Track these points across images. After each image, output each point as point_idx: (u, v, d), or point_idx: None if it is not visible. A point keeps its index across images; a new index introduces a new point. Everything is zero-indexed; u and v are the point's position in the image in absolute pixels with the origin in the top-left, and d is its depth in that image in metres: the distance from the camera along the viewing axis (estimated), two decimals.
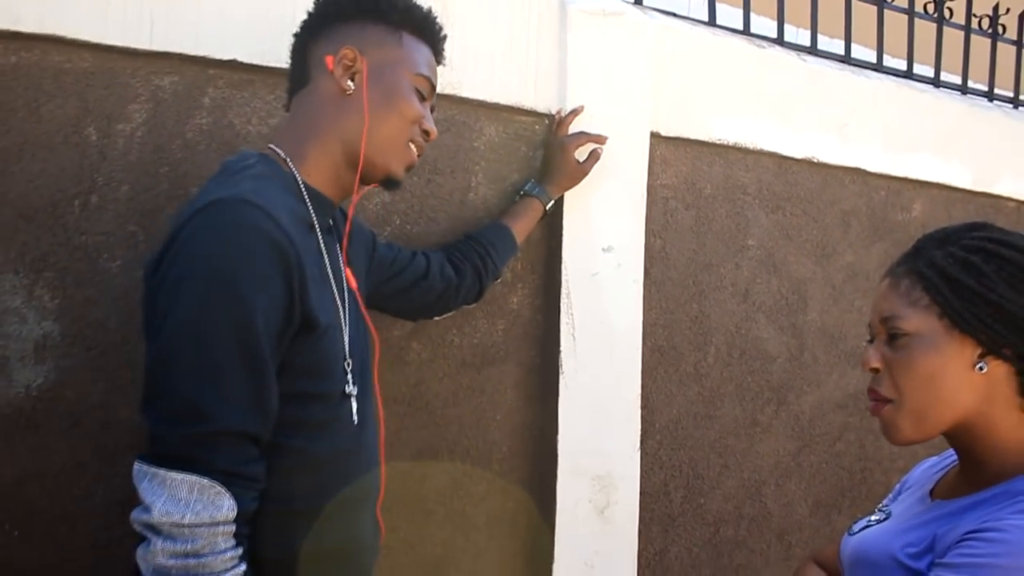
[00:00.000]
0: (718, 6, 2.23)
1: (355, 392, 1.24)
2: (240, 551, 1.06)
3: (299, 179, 1.22)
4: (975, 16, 2.81)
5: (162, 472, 1.03)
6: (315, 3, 1.30)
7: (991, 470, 1.03)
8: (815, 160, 2.27)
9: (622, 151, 1.87)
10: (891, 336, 1.06)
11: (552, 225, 1.85)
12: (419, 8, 1.30)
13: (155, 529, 1.03)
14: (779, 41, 2.30)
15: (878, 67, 2.53)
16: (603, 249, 1.86)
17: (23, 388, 1.37)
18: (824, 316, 2.35)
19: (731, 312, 2.18)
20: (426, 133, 1.29)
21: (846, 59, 2.46)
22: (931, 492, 1.11)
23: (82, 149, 1.40)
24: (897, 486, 1.24)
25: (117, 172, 1.43)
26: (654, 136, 1.96)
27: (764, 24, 2.35)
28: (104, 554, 1.44)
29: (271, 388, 1.08)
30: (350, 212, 1.33)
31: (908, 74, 2.61)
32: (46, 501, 1.39)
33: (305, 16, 1.31)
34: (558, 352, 1.83)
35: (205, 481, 1.02)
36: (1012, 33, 2.91)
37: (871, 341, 1.10)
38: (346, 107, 1.23)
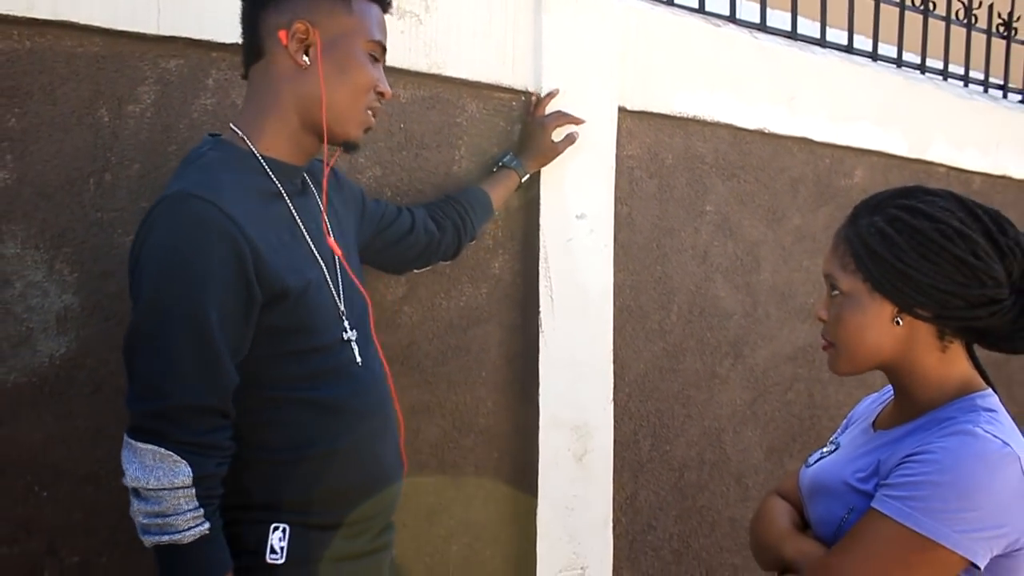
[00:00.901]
0: None
1: (354, 337, 1.34)
2: (202, 511, 1.19)
3: (257, 154, 1.29)
4: None
5: (133, 443, 1.18)
6: None
7: (920, 402, 1.20)
8: (766, 131, 2.42)
9: (593, 125, 1.99)
10: (831, 290, 1.23)
11: (530, 195, 1.98)
12: None
13: (133, 491, 1.19)
14: (732, 19, 2.45)
15: (822, 42, 2.70)
16: (577, 217, 2.00)
17: (47, 358, 1.45)
18: (775, 275, 2.52)
19: (691, 273, 2.33)
20: (381, 95, 1.33)
21: (792, 35, 2.61)
22: (873, 424, 1.28)
23: (95, 130, 1.47)
24: (844, 421, 1.41)
25: (129, 151, 1.50)
26: (621, 110, 2.09)
27: (716, 3, 2.49)
28: (127, 512, 1.53)
29: (224, 365, 1.19)
30: (324, 179, 1.38)
31: (848, 48, 2.78)
32: (71, 464, 1.48)
33: None
34: (537, 313, 1.96)
35: (162, 450, 1.16)
36: (942, 9, 3.10)
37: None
38: (302, 80, 1.28)
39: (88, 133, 1.47)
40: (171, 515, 1.16)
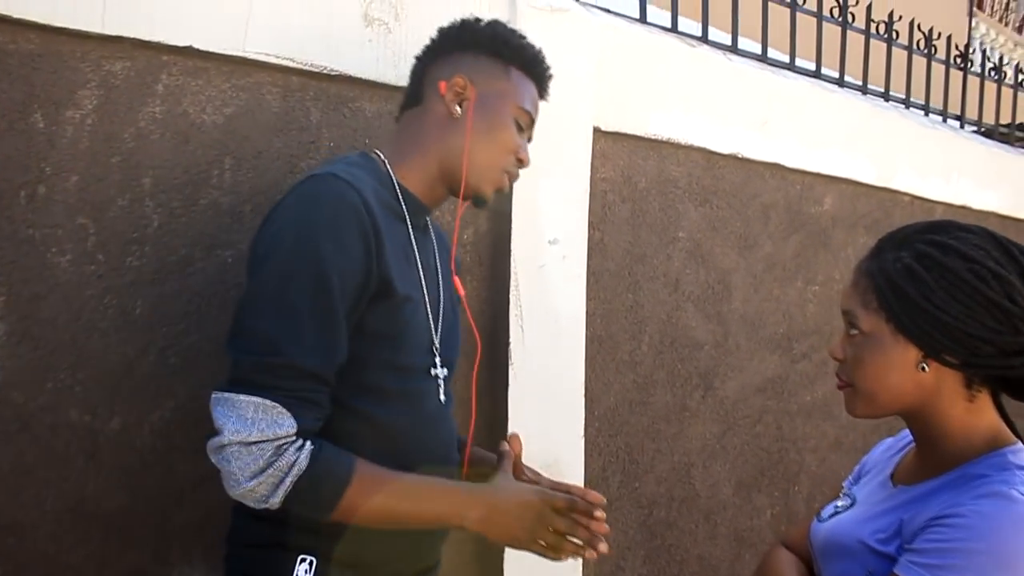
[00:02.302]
0: (647, 6, 2.29)
1: (443, 374, 1.36)
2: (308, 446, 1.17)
3: (394, 177, 1.35)
4: (873, 21, 2.98)
5: (232, 396, 1.16)
6: (439, 31, 1.42)
7: (945, 455, 1.11)
8: (739, 155, 2.36)
9: (568, 146, 1.90)
10: (850, 327, 1.14)
11: (500, 218, 1.87)
12: (530, 48, 1.41)
13: (227, 452, 1.15)
14: (704, 39, 2.39)
15: (791, 67, 2.66)
16: (549, 242, 1.90)
17: None
18: (746, 305, 2.46)
19: (663, 302, 2.25)
20: (520, 161, 1.39)
21: (763, 58, 2.57)
22: (892, 476, 1.19)
23: (28, 136, 1.33)
24: (856, 468, 1.32)
25: (66, 161, 1.36)
26: (596, 131, 2.00)
27: (687, 24, 2.43)
28: (55, 564, 1.37)
29: (340, 337, 1.19)
30: (457, 222, 1.50)
31: (816, 74, 2.75)
32: None
33: (428, 43, 1.43)
34: (507, 344, 1.86)
35: (268, 402, 1.15)
36: (904, 39, 3.10)
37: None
38: (451, 129, 1.35)
39: (20, 140, 1.32)
40: (277, 461, 1.14)
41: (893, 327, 1.08)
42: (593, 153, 2.01)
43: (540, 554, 1.23)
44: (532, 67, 1.41)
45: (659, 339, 2.24)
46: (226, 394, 1.17)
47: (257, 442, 1.14)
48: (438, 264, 1.43)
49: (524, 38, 1.42)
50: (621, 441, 2.18)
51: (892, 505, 1.12)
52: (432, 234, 1.45)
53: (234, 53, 1.47)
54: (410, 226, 1.35)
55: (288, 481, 1.14)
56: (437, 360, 1.35)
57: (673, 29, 2.32)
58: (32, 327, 1.34)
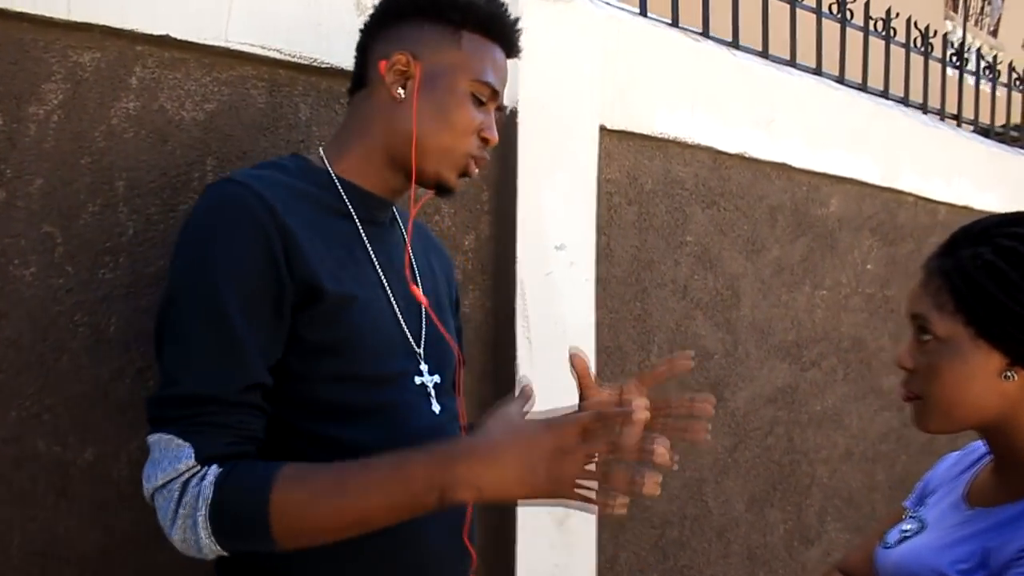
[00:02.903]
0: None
1: (434, 382, 1.19)
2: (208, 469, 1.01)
3: (332, 172, 1.20)
4: (871, 18, 2.90)
5: (148, 441, 1.05)
6: (378, 2, 1.24)
7: None
8: (746, 155, 2.26)
9: (573, 145, 1.79)
10: (921, 333, 1.02)
11: (504, 223, 1.75)
12: (481, 4, 1.20)
13: (155, 505, 1.04)
14: (705, 34, 2.29)
15: (792, 63, 2.57)
16: (556, 247, 1.78)
17: None
18: (755, 311, 2.35)
19: (671, 309, 2.14)
20: (485, 141, 1.21)
21: (764, 54, 2.47)
22: (966, 497, 1.07)
23: None
24: (919, 486, 1.20)
25: (29, 163, 1.22)
26: (602, 129, 1.89)
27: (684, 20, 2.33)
28: None
29: (245, 353, 1.04)
30: (411, 217, 1.25)
31: (817, 71, 2.66)
32: None
33: (369, 14, 1.25)
34: (514, 358, 1.74)
35: (166, 435, 1.03)
36: (902, 36, 3.03)
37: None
38: (396, 114, 1.19)
39: None
40: (184, 498, 0.99)
41: (973, 331, 0.97)
42: (599, 153, 1.90)
43: (570, 506, 0.94)
44: (489, 26, 1.20)
45: (668, 349, 2.13)
46: (147, 438, 1.06)
47: (165, 483, 1.01)
48: (427, 265, 1.30)
49: None
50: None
51: (972, 531, 1.00)
52: (402, 230, 1.29)
53: (215, 43, 1.34)
54: (358, 221, 1.19)
55: (200, 518, 0.98)
56: (422, 367, 1.18)
57: (674, 24, 2.21)
58: None
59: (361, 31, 1.26)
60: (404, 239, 1.28)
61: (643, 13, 2.15)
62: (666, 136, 2.06)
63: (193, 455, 1.01)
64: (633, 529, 2.07)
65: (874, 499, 2.76)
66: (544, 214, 1.76)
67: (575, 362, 1.18)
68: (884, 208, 2.77)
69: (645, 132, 2.01)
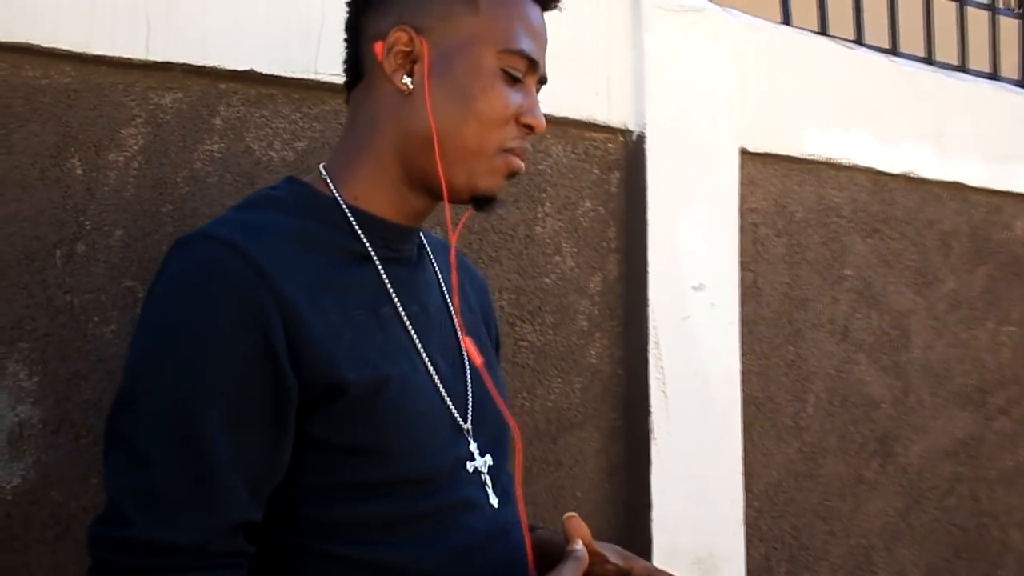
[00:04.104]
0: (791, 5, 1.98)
1: (487, 464, 0.95)
2: None
3: (340, 198, 0.95)
4: None
5: None
6: None
7: None
8: (912, 175, 2.03)
9: (710, 171, 1.63)
10: None
11: (634, 262, 1.59)
12: None
13: None
14: (858, 41, 2.06)
15: (961, 68, 2.28)
16: (693, 288, 1.61)
17: None
18: (928, 352, 2.10)
19: (830, 353, 1.93)
20: (528, 128, 0.94)
21: (929, 60, 2.20)
22: None
23: (64, 186, 1.12)
24: None
25: (108, 213, 1.15)
26: (743, 153, 1.73)
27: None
28: None
29: (226, 486, 0.81)
30: (452, 249, 1.00)
31: (993, 75, 2.35)
32: None
33: None
34: (647, 412, 1.57)
35: None
36: None
37: None
38: (406, 112, 0.93)
39: (55, 191, 1.12)
40: None
41: None
42: (740, 179, 1.71)
43: None
44: None
45: (827, 398, 1.92)
46: None
47: None
48: (464, 303, 1.05)
49: None
50: (787, 523, 1.85)
51: None
52: (431, 260, 1.04)
53: (304, 76, 1.25)
54: (379, 262, 0.93)
55: None
56: (472, 446, 0.94)
57: (822, 31, 2.00)
58: (72, 411, 1.13)
59: (348, 4, 1.00)
60: (436, 273, 1.03)
61: (786, 21, 1.95)
62: (817, 157, 1.87)
63: None
64: None
65: None
66: (679, 250, 1.60)
67: (569, 526, 0.92)
68: None
69: (793, 154, 1.83)
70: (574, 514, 0.92)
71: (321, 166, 0.99)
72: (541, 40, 0.96)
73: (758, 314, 1.79)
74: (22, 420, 1.10)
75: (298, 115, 1.27)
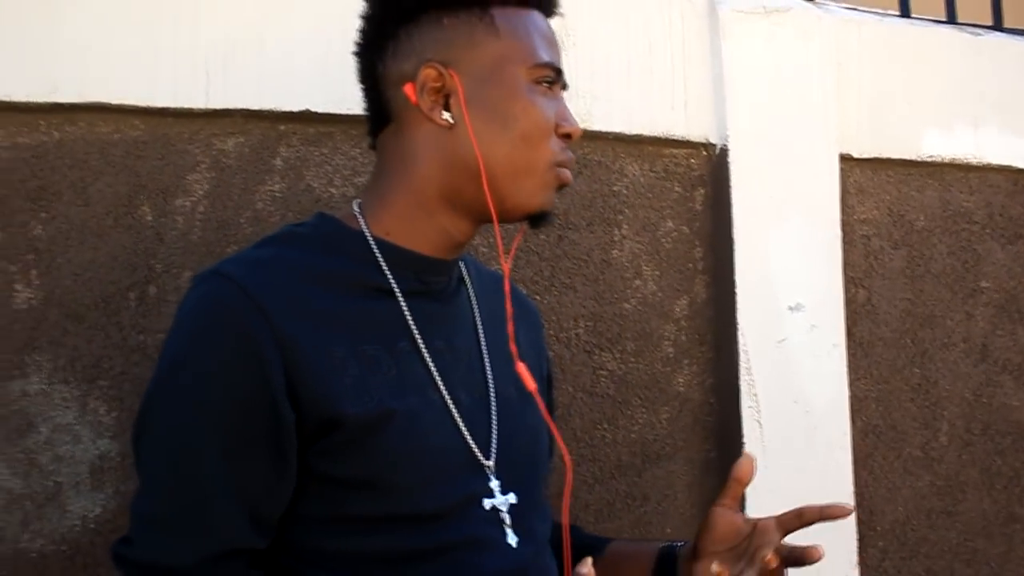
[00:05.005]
0: None
1: (508, 503, 0.94)
2: None
3: (368, 233, 0.97)
4: None
5: None
6: (368, 4, 1.01)
7: None
8: None
9: (805, 181, 1.55)
10: None
11: (722, 283, 1.52)
12: None
13: None
14: (996, 27, 1.88)
15: None
16: (790, 308, 1.53)
17: (79, 520, 1.16)
18: None
19: (965, 375, 1.79)
20: (567, 137, 0.97)
21: None
22: None
23: (136, 232, 1.20)
24: None
25: (177, 256, 1.21)
26: (844, 159, 1.62)
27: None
28: None
29: (219, 512, 0.86)
30: (506, 275, 1.00)
31: None
32: None
33: (360, 25, 1.02)
34: (740, 443, 1.50)
35: None
36: None
37: None
38: (450, 145, 0.95)
39: (127, 236, 1.19)
40: None
41: None
42: (844, 188, 1.61)
43: None
44: None
45: (964, 426, 1.78)
46: None
47: None
48: (501, 340, 1.01)
49: None
50: (919, 566, 1.72)
51: None
52: (471, 298, 1.04)
53: (360, 112, 1.24)
54: (402, 296, 0.95)
55: None
56: (492, 483, 0.93)
57: (951, 20, 1.84)
58: None
59: (357, 52, 1.02)
60: (473, 307, 1.04)
61: (905, 14, 1.80)
62: (940, 159, 1.74)
63: None
64: None
65: None
66: (771, 269, 1.52)
67: (743, 466, 1.01)
68: None
69: (909, 157, 1.71)
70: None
71: (355, 202, 1.01)
72: (557, 48, 1.00)
73: (874, 334, 1.67)
74: (102, 453, 1.17)
75: (357, 151, 1.29)
